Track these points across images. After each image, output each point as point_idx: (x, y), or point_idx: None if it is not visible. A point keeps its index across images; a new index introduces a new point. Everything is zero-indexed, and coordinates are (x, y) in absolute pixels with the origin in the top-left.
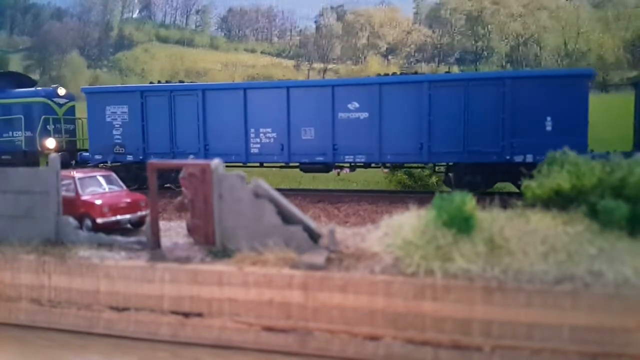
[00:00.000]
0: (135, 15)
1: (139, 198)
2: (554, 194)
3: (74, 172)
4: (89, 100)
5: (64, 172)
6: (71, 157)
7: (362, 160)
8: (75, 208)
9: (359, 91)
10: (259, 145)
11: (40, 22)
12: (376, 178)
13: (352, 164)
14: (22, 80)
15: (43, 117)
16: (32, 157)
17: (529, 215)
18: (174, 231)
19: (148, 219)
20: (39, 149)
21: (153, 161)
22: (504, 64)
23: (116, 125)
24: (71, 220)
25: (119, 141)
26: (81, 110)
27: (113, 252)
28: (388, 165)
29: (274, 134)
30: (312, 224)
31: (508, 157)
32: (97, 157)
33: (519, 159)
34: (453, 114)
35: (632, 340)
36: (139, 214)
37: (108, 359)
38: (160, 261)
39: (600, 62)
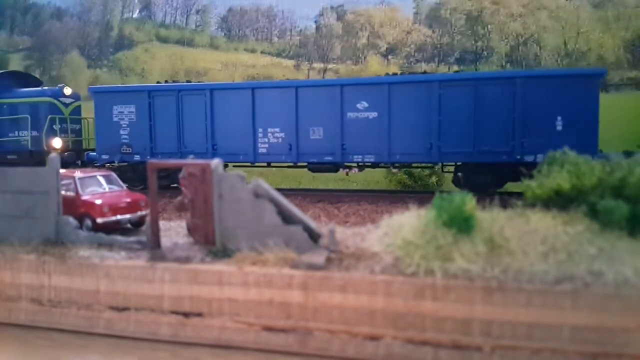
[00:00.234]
0: (135, 15)
1: (138, 198)
2: (554, 194)
3: (74, 172)
4: (96, 99)
5: (64, 172)
6: (77, 157)
7: (371, 160)
8: (76, 208)
9: (368, 91)
10: (267, 145)
11: (40, 21)
12: (376, 178)
13: (361, 164)
14: (27, 79)
15: (49, 116)
16: (38, 157)
17: (529, 215)
18: (174, 231)
19: (148, 219)
20: (46, 148)
21: (153, 161)
22: (503, 63)
23: (123, 125)
24: (71, 220)
25: (126, 141)
26: (86, 110)
27: (113, 252)
28: (397, 165)
29: (282, 134)
30: (312, 223)
31: (518, 157)
32: (104, 156)
33: (529, 158)
34: (463, 114)
35: (632, 340)
36: (139, 213)
37: (108, 359)
38: (160, 261)
39: (600, 62)
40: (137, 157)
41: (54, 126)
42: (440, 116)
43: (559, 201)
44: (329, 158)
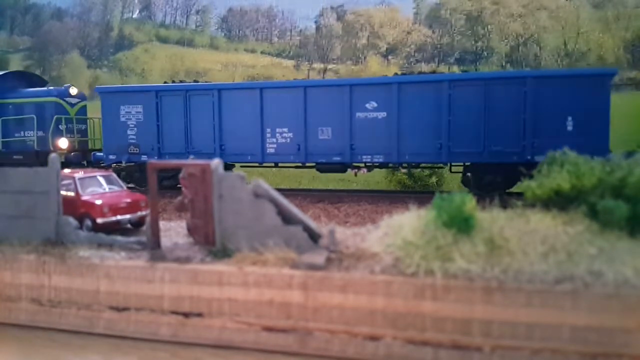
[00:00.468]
0: (135, 16)
1: (138, 198)
2: (554, 194)
3: (74, 172)
4: (103, 99)
5: (64, 172)
6: (83, 157)
7: (380, 160)
8: (76, 208)
9: (377, 90)
10: (275, 145)
11: (40, 22)
12: (376, 178)
13: (370, 164)
14: (33, 79)
15: (55, 116)
16: (44, 158)
17: (529, 215)
18: (174, 231)
19: (148, 219)
20: (52, 149)
21: (153, 161)
22: (503, 64)
23: (131, 125)
24: (71, 220)
25: (133, 141)
26: (92, 110)
27: (113, 252)
28: (405, 165)
29: (291, 134)
30: (312, 224)
31: (529, 157)
32: (111, 157)
33: (540, 159)
34: (473, 114)
35: (632, 340)
36: (139, 214)
37: (108, 359)
38: (160, 261)
39: (600, 62)
40: (144, 158)
41: (60, 126)
42: (450, 116)
43: (558, 201)
44: (337, 158)
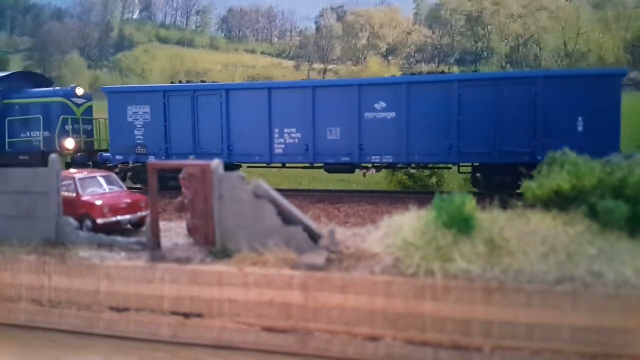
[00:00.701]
0: (135, 16)
1: (138, 198)
2: (554, 195)
3: (74, 173)
4: (110, 100)
5: (64, 173)
6: (89, 158)
7: (389, 160)
8: (76, 208)
9: (386, 91)
10: (283, 146)
11: (40, 22)
12: (376, 178)
13: (378, 165)
14: (39, 80)
15: (62, 117)
16: None
17: (529, 215)
18: (174, 231)
19: (148, 220)
20: (58, 149)
21: (153, 161)
22: (503, 64)
23: (138, 126)
24: (71, 220)
25: (140, 141)
26: (97, 110)
27: (113, 252)
28: (414, 165)
29: (299, 134)
30: (312, 224)
31: (540, 158)
32: (118, 157)
33: None
34: (483, 114)
35: (632, 341)
36: (139, 214)
37: (108, 359)
38: (160, 261)
39: (600, 62)
40: (151, 158)
41: (66, 126)
42: (459, 116)
43: (558, 202)
44: (346, 159)
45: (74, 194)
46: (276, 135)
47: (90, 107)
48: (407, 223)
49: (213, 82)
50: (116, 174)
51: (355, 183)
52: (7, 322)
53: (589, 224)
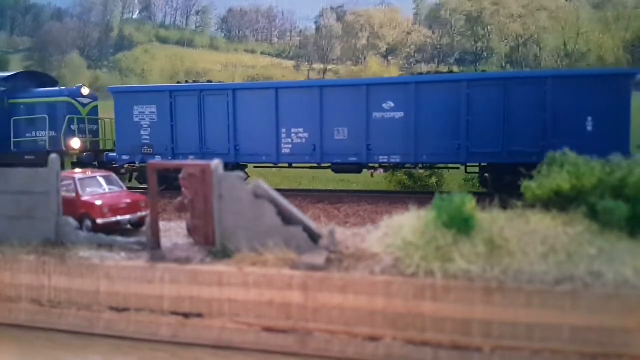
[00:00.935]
0: (135, 16)
1: (138, 199)
2: (554, 195)
3: (74, 173)
4: (116, 100)
5: (65, 173)
6: (95, 158)
7: (397, 160)
8: (76, 208)
9: (394, 90)
10: (290, 146)
11: (40, 22)
12: (376, 178)
13: (386, 165)
14: (44, 79)
15: (68, 116)
16: None
17: (529, 215)
18: (174, 232)
19: (148, 220)
20: (64, 149)
21: (153, 162)
22: (503, 64)
23: (144, 126)
24: (71, 220)
25: (147, 141)
26: (101, 110)
27: (113, 252)
28: (421, 166)
29: (306, 134)
30: (312, 224)
31: None
32: (125, 157)
33: None
34: (492, 114)
35: (632, 341)
36: (139, 214)
37: (108, 359)
38: (160, 262)
39: (600, 62)
40: (158, 158)
41: (71, 126)
42: (468, 116)
43: (558, 202)
44: (353, 159)
45: (74, 194)
46: (283, 135)
47: (96, 107)
48: (407, 223)
49: (218, 82)
50: (122, 174)
51: (355, 183)
52: (7, 322)
53: (589, 224)
